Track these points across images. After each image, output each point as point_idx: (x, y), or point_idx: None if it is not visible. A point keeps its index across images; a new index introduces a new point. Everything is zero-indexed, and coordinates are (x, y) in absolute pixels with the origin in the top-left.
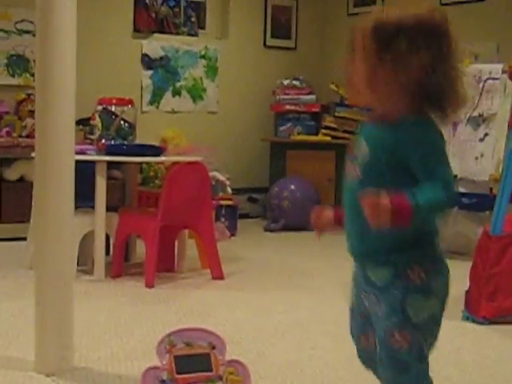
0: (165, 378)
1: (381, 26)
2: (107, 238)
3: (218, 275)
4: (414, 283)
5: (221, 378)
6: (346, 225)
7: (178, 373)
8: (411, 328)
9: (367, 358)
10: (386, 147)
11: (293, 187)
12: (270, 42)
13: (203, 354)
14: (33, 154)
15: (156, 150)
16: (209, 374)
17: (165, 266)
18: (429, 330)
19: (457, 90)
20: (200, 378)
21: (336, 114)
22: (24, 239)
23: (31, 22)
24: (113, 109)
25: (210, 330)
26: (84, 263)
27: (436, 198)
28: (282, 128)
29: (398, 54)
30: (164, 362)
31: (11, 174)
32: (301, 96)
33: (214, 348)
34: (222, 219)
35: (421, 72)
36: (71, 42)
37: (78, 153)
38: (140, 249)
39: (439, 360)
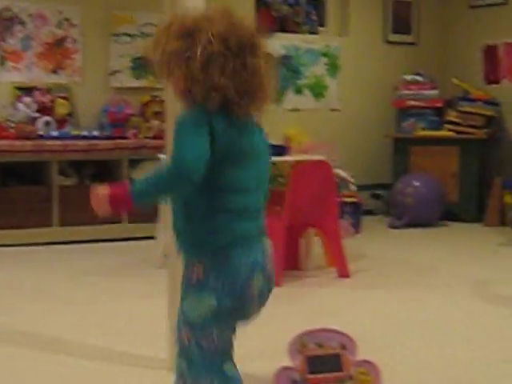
0: (297, 378)
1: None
2: None
3: (344, 273)
4: (192, 280)
5: (351, 378)
6: None
7: (310, 373)
8: (188, 326)
9: None
10: None
11: (417, 183)
12: (391, 37)
13: (334, 355)
14: (159, 155)
15: (280, 150)
16: (339, 374)
17: (290, 264)
18: (208, 328)
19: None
20: (331, 379)
21: (459, 108)
22: (152, 238)
23: (155, 25)
24: None
25: (340, 330)
26: None
27: (156, 176)
28: (404, 124)
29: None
30: (296, 363)
31: (138, 174)
32: (423, 91)
33: (344, 348)
34: (346, 216)
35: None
36: None
37: None
38: None
39: None
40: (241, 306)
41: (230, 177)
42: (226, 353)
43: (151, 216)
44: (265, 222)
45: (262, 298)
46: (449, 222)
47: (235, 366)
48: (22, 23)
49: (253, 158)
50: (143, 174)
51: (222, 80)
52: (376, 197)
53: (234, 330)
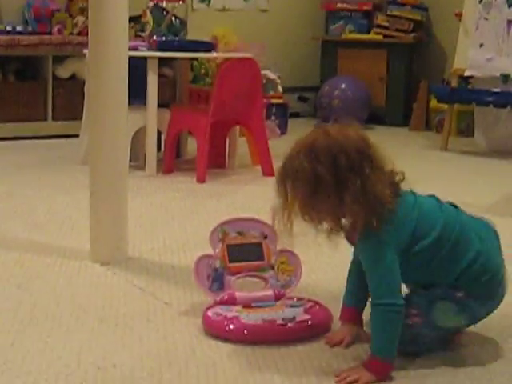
0: (217, 265)
1: None
2: (158, 134)
3: (269, 172)
4: None
5: (272, 267)
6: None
7: (231, 261)
8: None
9: None
10: None
11: (344, 86)
12: None
13: (255, 244)
14: (84, 52)
15: (207, 46)
16: (260, 262)
17: (216, 162)
18: None
19: None
20: (252, 267)
21: (388, 12)
22: (76, 136)
23: None
24: (164, 5)
25: (261, 219)
26: (136, 159)
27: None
28: (333, 26)
29: None
30: (217, 251)
31: (63, 71)
32: None
33: (265, 237)
34: (273, 118)
35: None
36: None
37: (130, 49)
38: (191, 145)
39: None
40: None
41: None
42: None
43: (76, 114)
44: None
45: None
46: (375, 126)
47: None
48: None
49: None
50: None
51: None
52: (303, 99)
53: None
